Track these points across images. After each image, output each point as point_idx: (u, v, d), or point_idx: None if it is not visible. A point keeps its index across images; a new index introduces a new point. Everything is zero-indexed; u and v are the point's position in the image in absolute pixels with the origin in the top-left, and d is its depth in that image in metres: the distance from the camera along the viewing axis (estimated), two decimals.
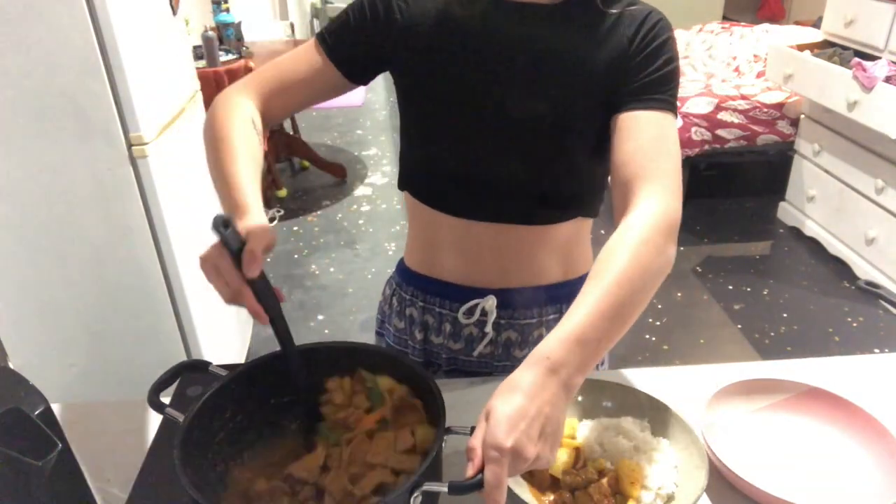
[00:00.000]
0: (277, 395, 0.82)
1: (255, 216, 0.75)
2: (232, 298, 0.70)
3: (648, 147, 0.80)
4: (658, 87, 0.83)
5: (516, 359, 1.00)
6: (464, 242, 0.95)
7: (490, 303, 0.96)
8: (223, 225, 0.69)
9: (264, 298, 0.70)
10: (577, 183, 0.93)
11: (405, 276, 1.04)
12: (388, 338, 1.09)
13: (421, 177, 0.96)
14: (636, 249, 0.69)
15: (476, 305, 0.96)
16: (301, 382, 0.78)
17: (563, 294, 0.99)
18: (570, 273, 0.99)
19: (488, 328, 0.97)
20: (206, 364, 0.79)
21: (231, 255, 0.69)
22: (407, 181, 0.98)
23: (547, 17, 0.86)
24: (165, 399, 0.82)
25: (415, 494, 0.61)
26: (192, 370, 0.79)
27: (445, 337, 1.01)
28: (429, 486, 0.62)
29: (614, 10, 0.85)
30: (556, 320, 0.91)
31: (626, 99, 0.83)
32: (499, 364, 1.01)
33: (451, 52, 0.86)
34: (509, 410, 0.59)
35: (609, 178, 0.89)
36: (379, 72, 0.93)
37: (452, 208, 0.93)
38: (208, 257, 0.70)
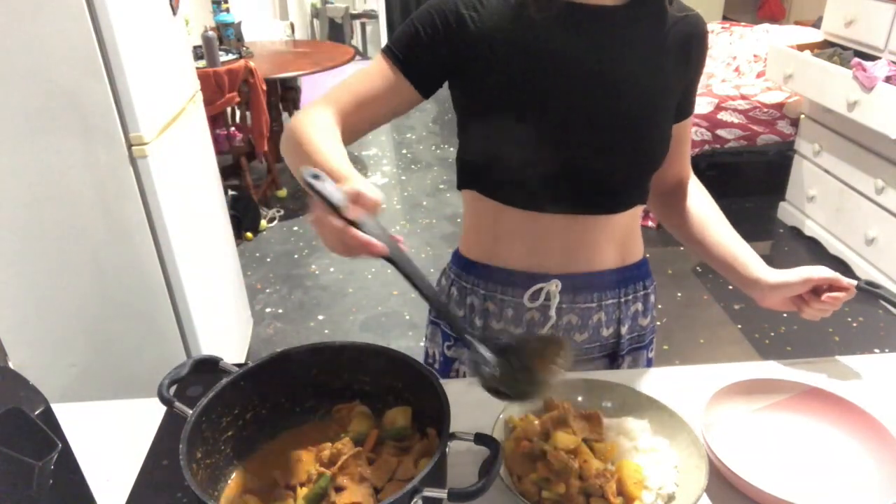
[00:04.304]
0: (289, 396, 0.82)
1: (356, 178, 0.70)
2: (343, 244, 0.63)
3: (688, 146, 1.09)
4: (696, 93, 1.02)
5: (575, 342, 1.03)
6: (530, 232, 0.97)
7: (555, 287, 0.98)
8: (313, 177, 0.63)
9: (376, 234, 0.63)
10: (647, 177, 0.99)
11: (464, 266, 1.06)
12: (445, 326, 1.10)
13: (490, 175, 0.96)
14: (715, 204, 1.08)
15: (541, 290, 0.98)
16: (451, 315, 0.77)
17: (620, 279, 1.03)
18: (627, 259, 1.04)
19: (552, 312, 0.99)
20: (217, 360, 0.79)
21: (329, 205, 0.62)
22: (471, 180, 0.99)
23: (619, 19, 0.88)
24: None
25: (414, 500, 0.61)
26: (203, 366, 0.79)
27: (507, 322, 1.03)
28: (429, 492, 0.61)
29: (679, 13, 0.92)
30: (615, 305, 1.02)
31: (684, 108, 1.00)
32: None
33: (530, 57, 0.87)
34: None
35: None
36: (444, 81, 0.93)
37: (523, 203, 0.94)
38: (316, 217, 0.64)
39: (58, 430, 0.68)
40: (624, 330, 1.04)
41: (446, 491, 0.61)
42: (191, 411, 0.70)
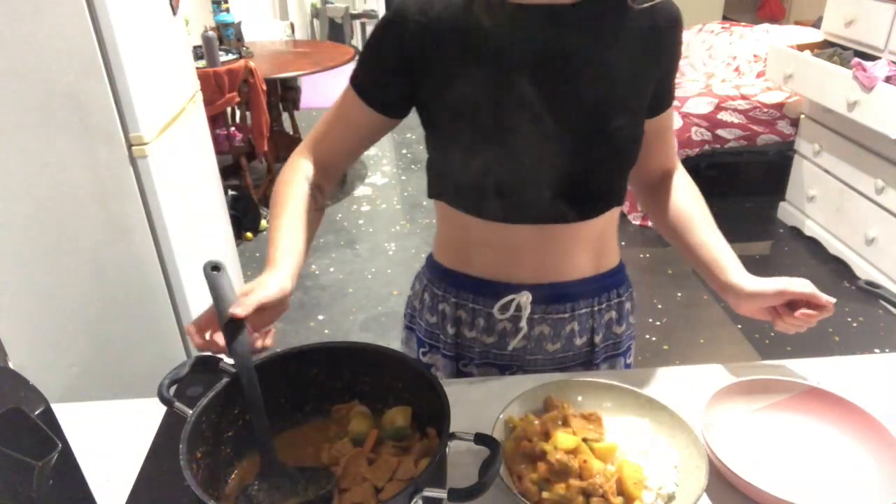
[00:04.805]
0: (289, 396, 0.82)
1: (276, 271, 0.80)
2: (196, 331, 0.74)
3: (671, 138, 1.03)
4: (674, 83, 0.97)
5: (548, 352, 1.01)
6: (500, 243, 0.95)
7: (525, 298, 0.96)
8: (212, 268, 0.71)
9: (237, 347, 0.71)
10: (619, 181, 0.95)
11: (437, 273, 1.05)
12: (420, 332, 1.09)
13: (457, 186, 0.93)
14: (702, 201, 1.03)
15: (511, 301, 0.97)
16: (268, 448, 0.72)
17: (593, 289, 1.01)
18: (602, 266, 1.01)
19: (522, 323, 0.98)
20: (217, 360, 0.79)
21: (215, 300, 0.71)
22: (440, 190, 0.97)
23: (573, 17, 0.84)
24: None
25: (415, 499, 0.61)
26: (203, 366, 0.79)
27: (479, 331, 1.02)
28: (429, 492, 0.61)
29: (644, 4, 0.86)
30: (588, 314, 1.00)
31: (661, 99, 0.95)
32: (531, 357, 1.02)
33: (484, 64, 0.84)
34: None
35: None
36: (415, 101, 0.91)
37: (491, 214, 0.92)
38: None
39: (58, 430, 0.68)
40: (598, 339, 1.03)
41: (446, 491, 0.61)
42: (191, 411, 0.70)
